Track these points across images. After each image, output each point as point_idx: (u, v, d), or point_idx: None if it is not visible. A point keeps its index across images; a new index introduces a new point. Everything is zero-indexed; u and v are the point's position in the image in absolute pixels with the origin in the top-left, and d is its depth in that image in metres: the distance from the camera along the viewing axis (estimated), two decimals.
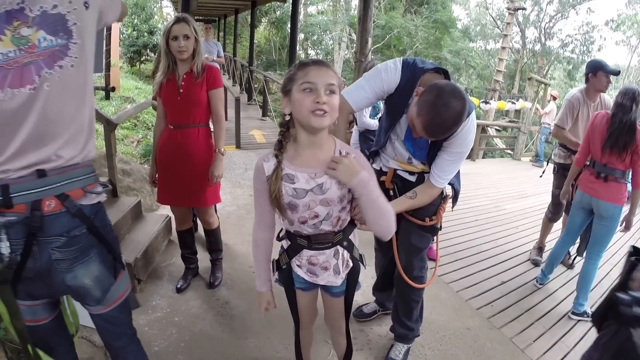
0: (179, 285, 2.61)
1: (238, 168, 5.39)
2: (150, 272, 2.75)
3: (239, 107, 6.58)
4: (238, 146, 6.49)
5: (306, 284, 1.49)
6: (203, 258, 2.85)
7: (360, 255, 1.50)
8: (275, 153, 1.27)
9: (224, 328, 2.31)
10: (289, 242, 1.43)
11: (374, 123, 3.26)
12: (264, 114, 9.29)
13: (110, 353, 1.43)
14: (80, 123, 1.15)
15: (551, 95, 8.64)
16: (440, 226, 2.01)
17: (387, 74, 1.71)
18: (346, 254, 1.43)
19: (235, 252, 3.18)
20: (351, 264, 1.46)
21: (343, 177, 1.22)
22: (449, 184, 1.87)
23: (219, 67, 3.05)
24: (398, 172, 1.94)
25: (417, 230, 1.95)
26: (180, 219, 2.59)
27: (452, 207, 2.05)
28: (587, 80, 3.20)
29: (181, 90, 2.24)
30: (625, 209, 2.65)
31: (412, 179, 1.92)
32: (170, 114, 2.32)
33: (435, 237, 2.07)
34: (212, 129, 2.43)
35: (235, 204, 4.12)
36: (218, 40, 20.07)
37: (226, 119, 8.45)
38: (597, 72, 3.10)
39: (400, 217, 1.82)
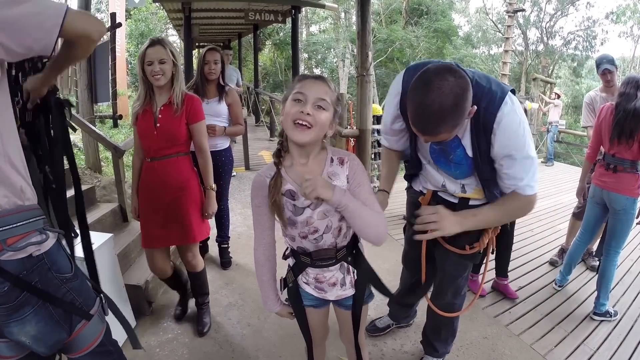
0: (177, 312, 2.50)
1: (248, 189, 5.32)
2: (160, 294, 2.74)
3: (246, 129, 6.63)
4: (247, 167, 6.55)
5: (316, 300, 1.46)
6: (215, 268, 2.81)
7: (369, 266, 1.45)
8: (274, 161, 1.27)
9: (235, 348, 2.28)
10: (294, 260, 1.41)
11: None
12: (272, 135, 9.37)
13: None
14: None
15: (555, 93, 8.57)
16: (494, 249, 1.77)
17: (391, 89, 1.59)
18: (351, 268, 1.40)
19: (247, 271, 3.17)
20: (355, 277, 1.42)
21: (321, 193, 1.14)
22: None
23: (236, 95, 3.07)
24: (439, 193, 1.71)
25: (455, 257, 1.71)
26: (159, 271, 2.30)
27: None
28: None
29: (158, 125, 2.04)
30: None
31: (454, 200, 1.68)
32: (147, 147, 2.11)
33: (483, 267, 1.81)
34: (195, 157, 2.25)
35: (245, 225, 4.12)
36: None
37: (235, 141, 8.61)
38: (598, 70, 3.22)
39: (435, 242, 1.69)
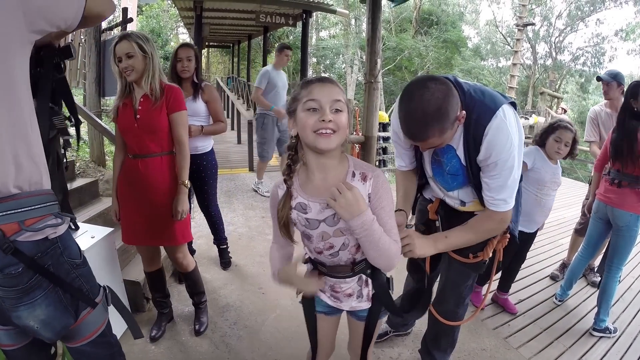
0: (152, 334, 2.29)
1: (251, 190, 5.40)
2: None
3: (251, 130, 6.63)
4: (251, 169, 6.52)
5: (329, 307, 1.44)
6: (216, 278, 2.80)
7: (388, 279, 1.38)
8: (284, 178, 1.22)
9: (231, 349, 2.27)
10: (312, 267, 1.39)
11: None
12: None
13: None
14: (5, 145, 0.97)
15: (562, 108, 8.58)
16: (500, 262, 1.74)
17: (393, 117, 1.56)
18: (369, 281, 1.36)
19: (246, 273, 3.16)
20: (374, 291, 1.38)
21: (342, 212, 1.10)
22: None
23: (214, 91, 2.91)
24: (446, 200, 1.73)
25: (458, 265, 1.71)
26: (148, 259, 2.27)
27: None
28: None
29: (138, 116, 1.98)
30: None
31: (459, 206, 1.68)
32: (129, 142, 2.05)
33: (489, 278, 1.82)
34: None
35: (247, 226, 4.12)
36: (232, 67, 20.56)
37: (240, 142, 8.63)
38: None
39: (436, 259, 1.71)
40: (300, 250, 1.41)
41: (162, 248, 2.36)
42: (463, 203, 1.65)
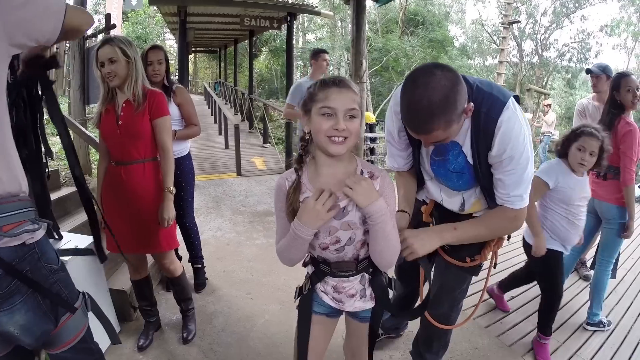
0: (140, 343, 2.24)
1: (239, 195, 5.37)
2: None
3: (238, 135, 6.59)
4: (239, 173, 6.48)
5: (330, 309, 1.41)
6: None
7: (390, 279, 1.41)
8: (295, 167, 1.24)
9: (220, 356, 2.23)
10: (313, 268, 1.37)
11: None
12: (265, 142, 9.33)
13: None
14: None
15: (545, 105, 8.66)
16: (495, 264, 1.72)
17: (391, 103, 1.53)
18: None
19: (234, 278, 3.11)
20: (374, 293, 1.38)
21: (360, 199, 1.13)
22: None
23: (186, 93, 2.74)
24: (444, 203, 1.67)
25: (455, 269, 1.65)
26: (134, 266, 2.22)
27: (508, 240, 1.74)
28: None
29: (120, 122, 1.94)
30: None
31: (457, 210, 1.62)
32: (111, 149, 2.01)
33: (487, 276, 1.78)
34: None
35: (235, 231, 4.08)
36: (219, 71, 20.51)
37: (227, 147, 8.58)
38: None
39: (435, 252, 1.59)
40: None
41: (148, 256, 2.32)
42: (463, 207, 1.59)
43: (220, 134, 9.47)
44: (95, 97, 3.91)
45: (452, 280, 1.70)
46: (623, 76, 2.51)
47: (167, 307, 2.63)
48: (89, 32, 4.23)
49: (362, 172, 1.23)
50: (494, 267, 1.72)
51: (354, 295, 1.35)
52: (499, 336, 2.52)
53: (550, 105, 8.73)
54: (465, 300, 1.80)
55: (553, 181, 2.16)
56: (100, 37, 4.72)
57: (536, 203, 2.27)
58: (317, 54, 4.05)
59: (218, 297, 2.82)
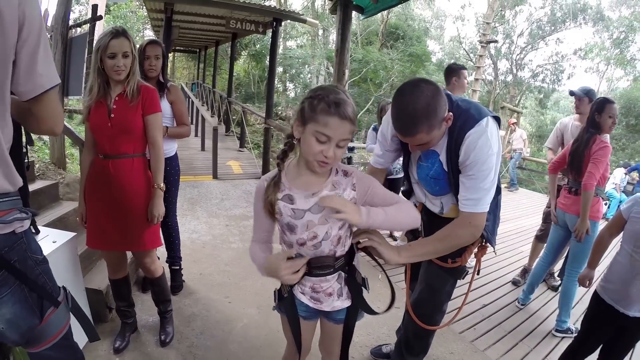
0: (116, 345, 2.18)
1: (214, 198, 5.32)
2: None
3: (216, 137, 6.55)
4: (215, 176, 6.44)
5: (308, 312, 1.43)
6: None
7: (363, 278, 1.42)
8: (277, 162, 1.27)
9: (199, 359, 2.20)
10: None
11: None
12: (242, 145, 9.29)
13: None
14: None
15: (510, 124, 8.97)
16: (479, 271, 1.81)
17: (383, 124, 1.73)
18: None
19: (211, 281, 3.08)
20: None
21: (354, 216, 1.19)
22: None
23: (179, 92, 2.73)
24: (427, 204, 1.81)
25: (435, 268, 1.75)
26: (114, 265, 2.16)
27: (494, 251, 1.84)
28: None
29: (112, 115, 1.88)
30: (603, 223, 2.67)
31: (438, 212, 1.74)
32: (100, 142, 1.94)
33: (470, 281, 1.83)
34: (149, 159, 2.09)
35: (210, 234, 4.04)
36: (197, 72, 20.23)
37: (203, 149, 8.49)
38: None
39: None
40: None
41: (128, 254, 2.27)
42: (442, 210, 1.71)
43: (196, 135, 9.37)
44: (76, 89, 3.80)
45: (434, 281, 1.78)
46: (608, 102, 2.64)
47: (144, 308, 2.58)
48: (71, 21, 4.10)
49: (337, 171, 1.29)
50: (477, 273, 1.81)
51: (332, 294, 1.37)
52: (472, 341, 2.60)
53: (516, 123, 9.04)
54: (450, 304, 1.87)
55: (628, 210, 1.90)
56: (85, 27, 4.60)
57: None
58: (457, 70, 3.38)
59: (195, 300, 2.79)
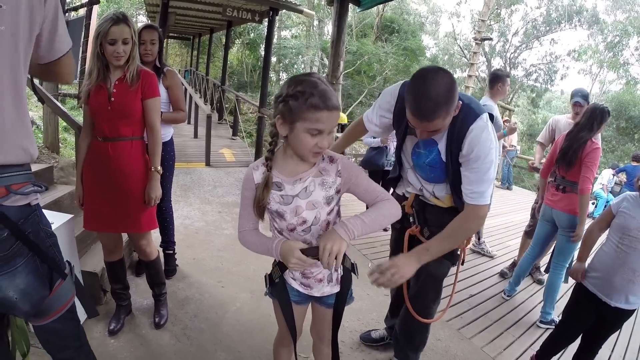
0: (111, 327, 2.19)
1: (207, 185, 5.35)
2: None
3: (210, 125, 6.55)
4: (208, 164, 6.46)
5: (299, 297, 1.47)
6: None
7: (352, 264, 1.44)
8: (265, 162, 1.27)
9: (193, 341, 2.24)
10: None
11: (373, 141, 3.61)
12: (234, 134, 9.27)
13: None
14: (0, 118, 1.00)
15: (504, 121, 9.07)
16: (463, 261, 1.88)
17: (386, 93, 1.75)
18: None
19: (204, 266, 3.12)
20: (342, 273, 1.43)
21: (341, 247, 1.17)
22: None
23: (176, 76, 2.72)
24: (420, 197, 1.84)
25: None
26: (110, 247, 2.19)
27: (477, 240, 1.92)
28: None
29: (112, 99, 1.91)
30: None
31: (431, 197, 1.78)
32: (99, 125, 1.96)
33: (455, 272, 1.93)
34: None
35: (204, 220, 4.07)
36: (191, 60, 20.06)
37: (196, 136, 8.46)
38: (571, 99, 3.47)
39: (416, 242, 1.74)
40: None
41: (123, 237, 2.30)
42: (435, 195, 1.77)
43: (189, 122, 9.34)
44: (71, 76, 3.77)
45: (435, 269, 1.79)
46: (608, 114, 2.74)
47: (138, 292, 2.61)
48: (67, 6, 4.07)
49: (322, 158, 1.30)
50: (462, 264, 1.88)
51: (322, 280, 1.41)
52: (459, 329, 2.68)
53: (508, 121, 9.14)
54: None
55: (616, 206, 2.01)
56: (81, 11, 4.54)
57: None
58: (503, 77, 3.60)
59: (189, 284, 2.83)
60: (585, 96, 3.40)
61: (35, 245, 1.07)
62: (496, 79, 3.57)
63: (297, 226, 1.31)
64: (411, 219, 1.85)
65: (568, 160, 2.73)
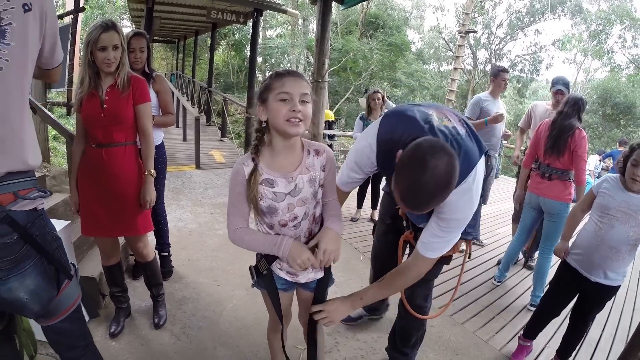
0: (112, 330, 2.24)
1: (198, 187, 5.38)
2: None
3: (198, 127, 6.58)
4: (198, 166, 6.50)
5: (286, 284, 1.54)
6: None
7: None
8: (252, 157, 1.32)
9: (193, 339, 2.29)
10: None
11: None
12: (223, 135, 9.31)
13: None
14: (10, 129, 1.05)
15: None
16: (470, 255, 1.85)
17: (363, 138, 1.55)
18: None
19: (199, 266, 3.16)
20: None
21: (336, 254, 1.37)
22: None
23: (165, 81, 2.79)
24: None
25: None
26: (107, 251, 2.23)
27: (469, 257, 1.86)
28: None
29: (105, 106, 1.94)
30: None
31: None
32: (93, 132, 2.00)
33: (461, 266, 1.89)
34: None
35: (196, 222, 4.10)
36: (176, 63, 19.96)
37: (185, 139, 8.46)
38: (552, 87, 3.58)
39: (411, 244, 1.76)
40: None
41: (120, 240, 2.34)
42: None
43: (177, 126, 9.33)
44: (60, 81, 3.77)
45: (430, 271, 1.72)
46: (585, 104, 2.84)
47: (136, 295, 2.65)
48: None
49: (309, 152, 1.38)
50: (469, 258, 1.89)
51: (307, 268, 1.46)
52: (451, 315, 2.76)
53: (508, 135, 9.24)
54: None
55: (597, 187, 2.11)
56: (67, 19, 4.51)
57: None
58: (498, 73, 3.80)
59: (185, 284, 2.87)
60: (567, 84, 3.48)
61: (42, 247, 1.12)
62: (491, 75, 3.84)
63: (289, 222, 1.38)
64: (404, 223, 1.85)
65: (557, 150, 2.79)
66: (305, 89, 1.25)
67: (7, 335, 1.27)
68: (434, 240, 1.44)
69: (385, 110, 4.15)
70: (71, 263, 1.28)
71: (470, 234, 1.66)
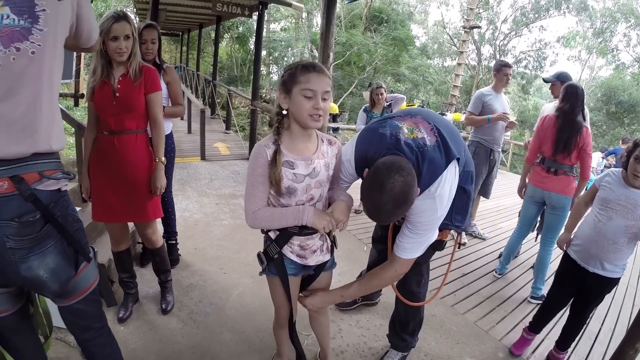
0: (120, 315, 2.30)
1: (204, 178, 5.42)
2: None
3: (204, 120, 6.62)
4: (203, 158, 6.54)
5: (296, 268, 1.59)
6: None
7: (334, 237, 1.66)
8: (275, 138, 1.40)
9: (200, 324, 2.34)
10: (277, 232, 1.51)
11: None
12: (227, 128, 9.33)
13: (78, 344, 1.42)
14: (39, 112, 1.09)
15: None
16: (459, 244, 1.95)
17: (345, 152, 1.64)
18: (327, 236, 1.60)
19: (206, 255, 3.21)
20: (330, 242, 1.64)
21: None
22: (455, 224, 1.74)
23: (174, 73, 2.83)
24: None
25: None
26: (118, 237, 2.28)
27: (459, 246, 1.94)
28: None
29: (117, 95, 1.99)
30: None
31: None
32: (105, 120, 2.04)
33: (451, 254, 2.00)
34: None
35: (202, 212, 4.15)
36: (180, 56, 19.94)
37: (190, 131, 8.50)
38: None
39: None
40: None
41: (130, 227, 2.38)
42: None
43: (182, 118, 9.36)
44: (67, 72, 3.81)
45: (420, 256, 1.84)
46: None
47: (143, 281, 2.69)
48: None
49: (322, 140, 1.50)
50: (459, 246, 1.94)
51: (316, 251, 1.56)
52: (453, 306, 2.81)
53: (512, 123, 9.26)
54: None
55: (599, 181, 2.15)
56: None
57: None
58: (501, 67, 3.83)
59: (192, 272, 2.92)
60: (558, 75, 3.44)
61: (63, 228, 1.15)
62: (493, 70, 3.88)
63: (306, 202, 1.46)
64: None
65: (568, 150, 2.80)
66: (327, 86, 1.34)
67: (25, 313, 1.30)
68: (405, 242, 1.59)
69: (387, 103, 4.21)
70: (91, 246, 1.32)
71: (459, 227, 1.76)
